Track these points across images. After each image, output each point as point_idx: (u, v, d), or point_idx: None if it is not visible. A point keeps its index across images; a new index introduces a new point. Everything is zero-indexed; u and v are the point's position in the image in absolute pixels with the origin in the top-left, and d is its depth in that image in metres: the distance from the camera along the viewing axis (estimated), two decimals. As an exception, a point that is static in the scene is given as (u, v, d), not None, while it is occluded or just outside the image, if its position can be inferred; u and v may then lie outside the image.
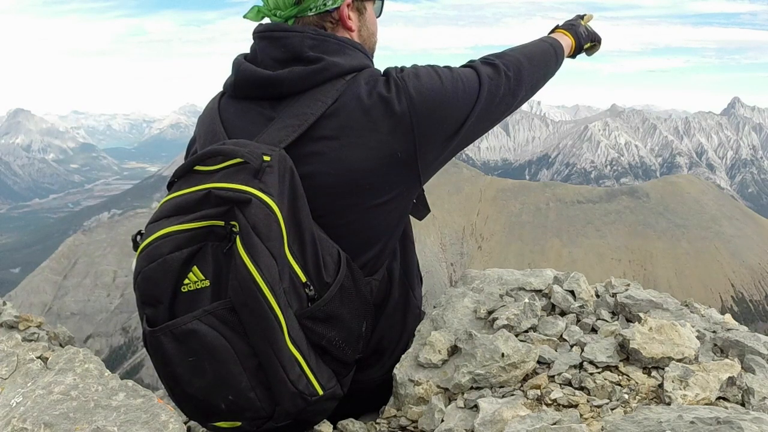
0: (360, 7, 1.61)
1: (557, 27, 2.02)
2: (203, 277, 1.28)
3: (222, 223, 1.27)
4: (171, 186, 1.39)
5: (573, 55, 2.01)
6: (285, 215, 1.28)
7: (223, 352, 1.25)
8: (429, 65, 1.55)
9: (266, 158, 1.30)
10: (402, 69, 1.53)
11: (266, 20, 1.57)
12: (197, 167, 1.36)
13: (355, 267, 1.46)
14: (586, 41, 2.04)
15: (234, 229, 1.24)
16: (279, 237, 1.26)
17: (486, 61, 1.62)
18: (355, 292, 1.43)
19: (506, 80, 1.59)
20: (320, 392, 1.33)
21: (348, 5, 1.55)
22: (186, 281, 1.28)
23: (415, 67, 1.53)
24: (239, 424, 1.32)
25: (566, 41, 1.93)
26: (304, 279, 1.31)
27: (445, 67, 1.56)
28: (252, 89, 1.49)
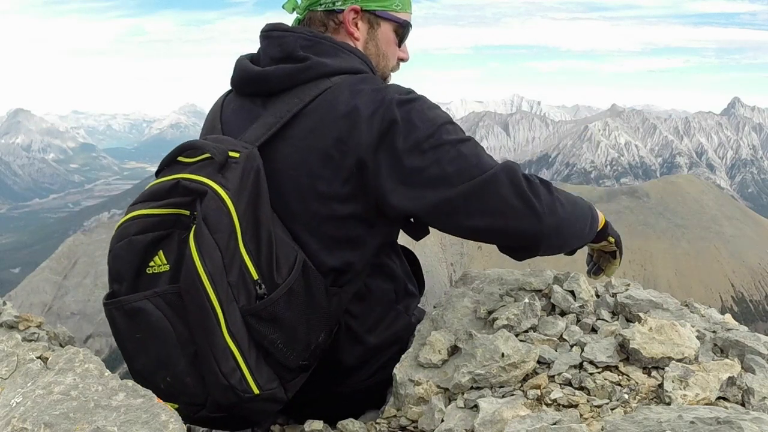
0: (372, 21, 1.59)
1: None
2: (165, 262, 1.34)
3: (188, 212, 1.33)
4: (158, 174, 1.46)
5: (597, 239, 1.71)
6: (242, 211, 1.31)
7: (165, 334, 1.31)
8: (450, 121, 1.44)
9: (233, 155, 1.35)
10: (409, 93, 1.44)
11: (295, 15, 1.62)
12: (179, 158, 1.42)
13: (315, 274, 1.43)
14: (614, 236, 1.74)
15: (195, 219, 1.30)
16: (228, 230, 1.29)
17: (526, 174, 1.43)
18: (305, 298, 1.39)
19: (533, 197, 1.38)
20: (256, 391, 1.32)
21: (355, 11, 1.56)
22: (151, 264, 1.34)
23: (426, 104, 1.43)
24: (176, 406, 1.35)
25: (600, 216, 1.68)
26: (256, 276, 1.32)
27: (469, 140, 1.42)
28: (245, 85, 1.55)
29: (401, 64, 1.74)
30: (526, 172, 1.43)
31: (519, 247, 1.48)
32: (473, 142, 1.44)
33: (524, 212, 1.38)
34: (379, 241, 1.55)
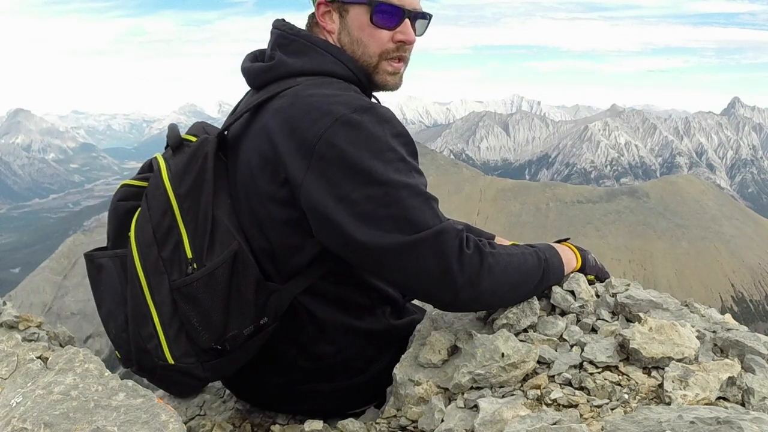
0: (341, 10, 1.54)
1: (566, 240, 1.72)
2: None
3: None
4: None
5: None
6: (183, 191, 1.41)
7: (115, 291, 1.45)
8: (402, 158, 1.34)
9: (191, 139, 1.49)
10: (367, 111, 1.34)
11: None
12: None
13: (249, 266, 1.43)
14: (592, 272, 1.70)
15: None
16: (163, 207, 1.39)
17: (465, 238, 1.34)
18: (227, 286, 1.40)
19: (457, 269, 1.31)
20: (170, 360, 1.40)
21: (323, 3, 1.55)
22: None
23: (383, 130, 1.34)
24: (119, 356, 1.50)
25: (571, 262, 1.63)
26: (190, 255, 1.38)
27: (415, 186, 1.32)
28: (245, 79, 1.64)
29: (408, 48, 1.56)
30: (471, 237, 1.36)
31: (435, 306, 1.52)
32: (419, 190, 1.33)
33: (441, 284, 1.33)
34: (319, 249, 1.47)
